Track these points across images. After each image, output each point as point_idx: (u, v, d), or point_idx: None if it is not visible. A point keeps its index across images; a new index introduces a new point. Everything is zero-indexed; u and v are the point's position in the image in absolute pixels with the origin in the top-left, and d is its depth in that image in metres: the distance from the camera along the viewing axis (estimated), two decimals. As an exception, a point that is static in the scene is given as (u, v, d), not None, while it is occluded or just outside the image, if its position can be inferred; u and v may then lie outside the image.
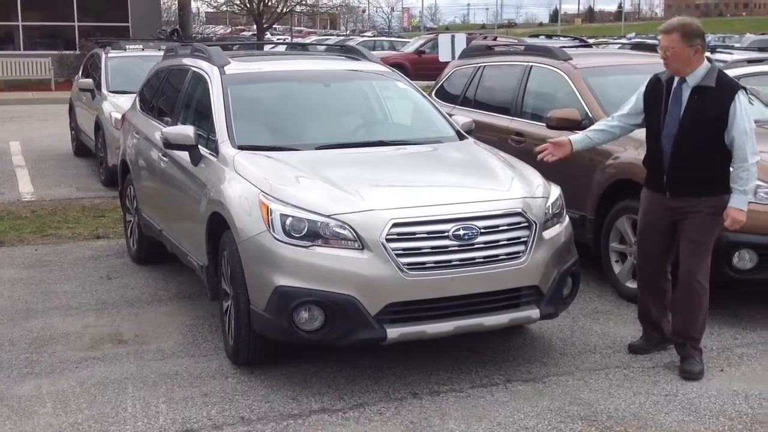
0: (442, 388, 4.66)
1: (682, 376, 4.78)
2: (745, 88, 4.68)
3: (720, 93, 4.61)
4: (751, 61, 9.12)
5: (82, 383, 4.72)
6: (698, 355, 4.86)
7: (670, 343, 5.04)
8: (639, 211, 5.06)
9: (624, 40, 20.59)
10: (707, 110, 4.60)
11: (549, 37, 18.09)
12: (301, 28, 71.60)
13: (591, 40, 15.87)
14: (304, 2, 32.93)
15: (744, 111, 4.59)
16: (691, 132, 4.63)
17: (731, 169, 4.66)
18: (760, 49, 12.65)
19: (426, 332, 4.51)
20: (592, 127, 5.26)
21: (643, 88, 4.95)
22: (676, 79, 4.72)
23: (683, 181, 4.70)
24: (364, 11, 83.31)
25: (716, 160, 4.66)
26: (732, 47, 14.60)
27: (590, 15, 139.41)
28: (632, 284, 6.04)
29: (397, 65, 23.96)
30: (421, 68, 26.36)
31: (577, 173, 6.45)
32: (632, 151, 5.92)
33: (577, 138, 5.15)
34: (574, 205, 6.16)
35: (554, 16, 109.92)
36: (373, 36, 48.92)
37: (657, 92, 4.81)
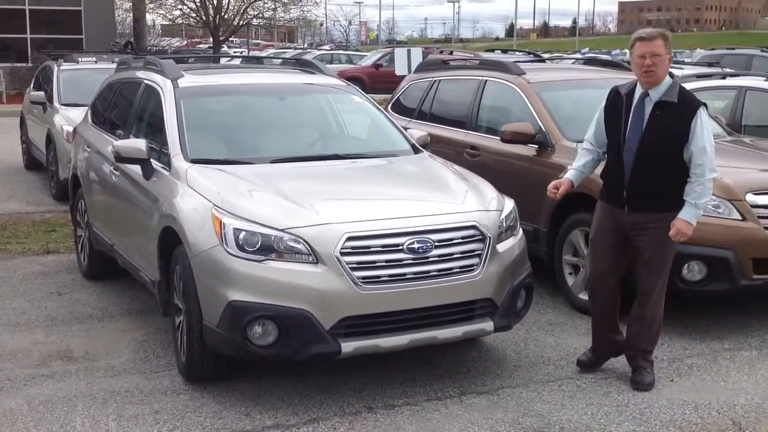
0: (396, 401, 4.65)
1: (634, 387, 4.82)
2: (705, 105, 4.66)
3: (681, 109, 4.57)
4: (700, 76, 9.31)
5: (30, 401, 4.63)
6: (649, 366, 4.90)
7: (619, 353, 5.05)
8: (592, 222, 4.99)
9: (578, 55, 20.89)
10: (669, 126, 4.55)
11: (505, 51, 18.25)
12: (259, 41, 71.41)
13: (546, 55, 16.06)
14: (261, 15, 32.84)
15: (705, 128, 4.55)
16: (652, 147, 4.57)
17: (687, 182, 4.62)
18: (710, 64, 12.90)
19: (380, 346, 4.50)
20: (580, 162, 4.97)
21: (603, 103, 4.87)
22: (638, 92, 4.66)
23: (643, 196, 4.64)
24: (321, 24, 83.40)
25: (676, 176, 4.61)
26: (683, 62, 14.87)
27: (545, 30, 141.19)
28: (585, 296, 6.09)
29: (354, 78, 24.03)
30: (378, 81, 26.45)
31: (530, 187, 6.50)
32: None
33: (573, 175, 4.94)
34: (528, 218, 6.21)
35: (510, 31, 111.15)
36: (331, 49, 48.98)
37: (617, 106, 4.74)
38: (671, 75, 4.67)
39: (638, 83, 4.67)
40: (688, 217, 4.57)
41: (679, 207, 4.62)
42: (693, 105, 4.58)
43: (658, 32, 4.61)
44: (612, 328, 5.06)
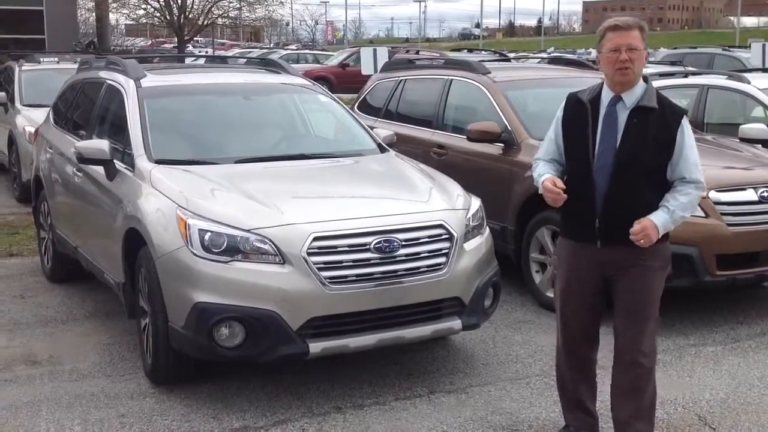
0: (365, 401, 4.64)
1: None
2: (686, 111, 3.87)
3: (663, 116, 3.71)
4: (663, 75, 9.40)
5: (-7, 407, 4.56)
6: None
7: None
8: (559, 265, 4.07)
9: (543, 55, 21.04)
10: (650, 136, 3.68)
11: (470, 51, 18.38)
12: (224, 40, 70.98)
13: (511, 54, 16.15)
14: (225, 15, 32.62)
15: (692, 139, 3.75)
16: (630, 162, 3.68)
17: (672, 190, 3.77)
18: (673, 63, 13.06)
19: (349, 346, 4.49)
20: (547, 167, 3.94)
21: (560, 114, 3.92)
22: (606, 97, 3.78)
23: (622, 226, 3.68)
24: (287, 24, 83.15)
25: (658, 198, 3.75)
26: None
27: (511, 29, 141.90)
28: (552, 293, 6.12)
29: (321, 78, 23.96)
30: (345, 81, 26.41)
31: (497, 185, 6.54)
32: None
33: (551, 171, 3.92)
34: (495, 217, 6.23)
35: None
36: (297, 49, 48.84)
37: (580, 116, 3.81)
38: (644, 78, 3.82)
39: (605, 86, 3.80)
40: (658, 222, 3.68)
41: (666, 237, 3.84)
42: (676, 112, 3.77)
43: (635, 21, 3.73)
44: (592, 394, 4.15)
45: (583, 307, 3.93)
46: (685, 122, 3.76)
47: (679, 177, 3.73)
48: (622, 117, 3.73)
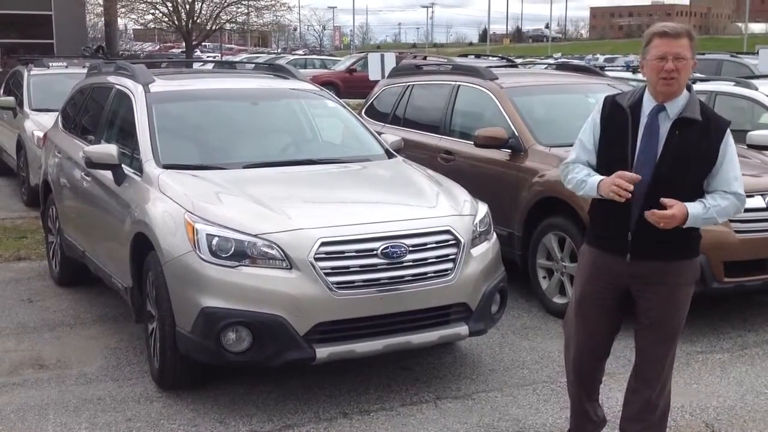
0: (372, 407, 4.64)
1: None
2: (730, 123, 3.67)
3: (707, 128, 3.56)
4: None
5: (2, 410, 4.57)
6: None
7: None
8: (579, 274, 3.90)
9: (551, 60, 21.04)
10: (692, 149, 3.53)
11: (478, 56, 18.38)
12: (232, 45, 71.17)
13: (518, 60, 16.17)
14: (234, 20, 32.70)
15: (734, 153, 3.60)
16: (670, 176, 3.53)
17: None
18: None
19: (356, 351, 4.49)
20: (585, 170, 3.75)
21: (597, 117, 3.72)
22: (647, 105, 3.61)
23: (654, 241, 3.55)
24: (295, 29, 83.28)
25: None
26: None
27: (518, 35, 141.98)
28: (559, 299, 6.14)
29: (328, 83, 24.02)
30: (352, 86, 26.45)
31: (504, 191, 6.54)
32: (557, 170, 6.01)
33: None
34: (502, 222, 6.23)
35: (483, 36, 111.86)
36: (305, 54, 48.95)
37: (619, 121, 3.64)
38: (688, 87, 3.62)
39: (647, 93, 3.62)
40: (692, 211, 3.48)
41: (696, 252, 3.71)
42: (721, 124, 3.60)
43: (685, 29, 3.55)
44: (595, 406, 4.10)
45: (602, 317, 3.81)
46: (728, 135, 3.60)
47: (715, 190, 3.57)
48: (664, 128, 3.57)
